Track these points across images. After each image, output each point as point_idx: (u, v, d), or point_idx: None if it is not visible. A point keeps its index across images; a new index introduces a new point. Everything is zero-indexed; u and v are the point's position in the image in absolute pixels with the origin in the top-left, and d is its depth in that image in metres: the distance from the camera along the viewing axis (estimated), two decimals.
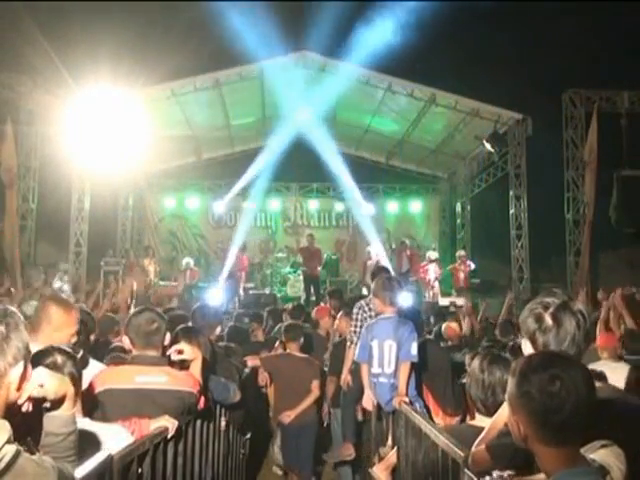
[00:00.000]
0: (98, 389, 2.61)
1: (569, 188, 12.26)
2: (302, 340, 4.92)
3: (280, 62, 11.60)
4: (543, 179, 13.03)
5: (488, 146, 11.95)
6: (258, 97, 13.18)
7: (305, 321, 6.29)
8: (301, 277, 13.05)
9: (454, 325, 5.84)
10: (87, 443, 1.91)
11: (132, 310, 3.92)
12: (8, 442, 1.30)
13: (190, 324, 3.74)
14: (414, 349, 3.75)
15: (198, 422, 3.09)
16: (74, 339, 2.61)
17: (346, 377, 4.58)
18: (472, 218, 16.15)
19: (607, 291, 5.62)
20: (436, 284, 12.72)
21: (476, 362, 2.55)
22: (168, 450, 2.58)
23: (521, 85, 14.92)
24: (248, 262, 13.56)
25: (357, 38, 11.09)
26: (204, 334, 3.73)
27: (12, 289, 8.48)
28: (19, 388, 1.44)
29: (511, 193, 12.38)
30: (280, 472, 5.28)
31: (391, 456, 3.65)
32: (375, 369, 3.87)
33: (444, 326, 5.78)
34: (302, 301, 11.72)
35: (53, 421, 1.61)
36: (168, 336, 2.89)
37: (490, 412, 2.33)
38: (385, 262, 11.79)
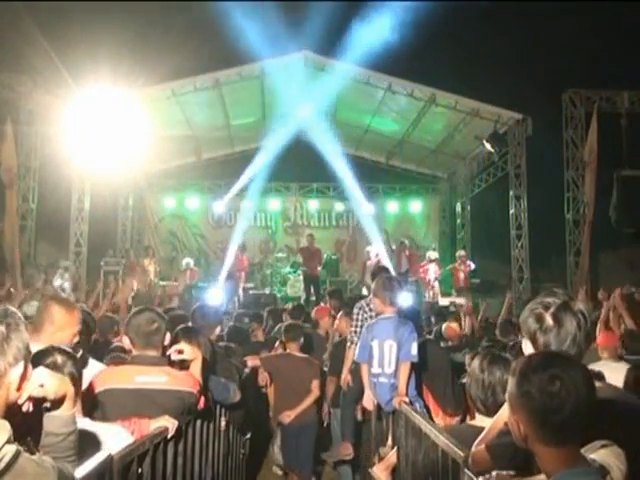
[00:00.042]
0: (98, 389, 2.61)
1: (569, 188, 12.26)
2: (302, 340, 4.93)
3: (280, 62, 11.60)
4: (543, 179, 13.03)
5: (488, 146, 11.95)
6: (258, 97, 13.18)
7: (305, 321, 6.29)
8: (301, 277, 13.04)
9: (454, 325, 5.84)
10: (87, 443, 1.90)
11: (132, 310, 3.92)
12: (8, 442, 1.30)
13: (190, 324, 3.74)
14: (414, 349, 3.75)
15: (198, 422, 3.08)
16: (76, 339, 2.62)
17: (346, 377, 4.58)
18: (472, 218, 16.16)
19: (608, 291, 5.61)
20: (436, 284, 12.73)
21: (476, 362, 2.55)
22: (168, 450, 2.58)
23: (521, 85, 14.95)
24: (248, 262, 13.55)
25: (357, 38, 11.09)
26: (204, 334, 3.73)
27: (12, 289, 8.48)
28: (19, 388, 1.44)
29: (511, 193, 12.38)
30: (280, 472, 5.28)
31: (391, 456, 3.65)
32: (375, 369, 3.87)
33: (444, 326, 5.79)
34: (302, 301, 11.72)
35: (53, 421, 1.61)
36: (168, 336, 2.89)
37: (490, 412, 2.33)
38: (386, 262, 11.79)
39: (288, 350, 4.90)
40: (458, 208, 16.55)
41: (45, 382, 1.56)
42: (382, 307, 3.97)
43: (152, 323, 2.79)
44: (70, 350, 2.01)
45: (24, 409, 1.51)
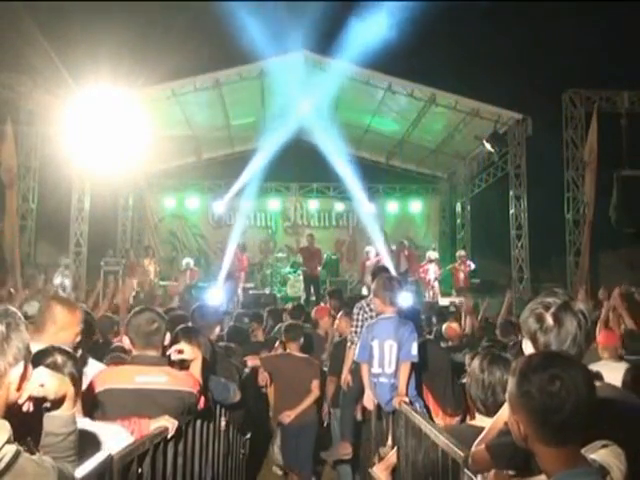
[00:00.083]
0: (98, 389, 2.61)
1: (569, 188, 12.27)
2: (302, 340, 4.93)
3: (280, 62, 11.60)
4: (543, 179, 13.04)
5: (488, 146, 11.95)
6: (258, 97, 13.18)
7: (305, 321, 6.29)
8: (301, 277, 13.05)
9: (454, 325, 5.85)
10: (87, 443, 1.90)
11: (132, 310, 3.92)
12: (8, 442, 1.30)
13: (190, 324, 3.74)
14: (414, 349, 3.74)
15: (198, 422, 3.08)
16: (78, 339, 2.62)
17: (346, 377, 4.58)
18: (472, 218, 16.16)
19: (608, 290, 5.60)
20: (436, 284, 12.73)
21: (476, 362, 2.54)
22: (168, 450, 2.58)
23: (521, 85, 14.94)
24: (248, 262, 13.56)
25: (357, 38, 11.08)
26: (204, 334, 3.73)
27: (12, 289, 8.48)
28: (19, 388, 1.44)
29: (511, 193, 12.38)
30: (280, 472, 5.28)
31: (391, 456, 3.65)
32: (375, 369, 3.87)
33: (444, 326, 5.79)
34: (302, 301, 11.72)
35: (53, 421, 1.61)
36: (168, 336, 2.89)
37: (490, 412, 2.33)
38: (387, 262, 11.79)
39: (288, 350, 4.90)
40: (458, 208, 16.55)
41: (45, 382, 1.56)
42: (382, 307, 3.97)
43: (152, 323, 2.79)
44: (70, 350, 2.01)
45: (24, 409, 1.51)
